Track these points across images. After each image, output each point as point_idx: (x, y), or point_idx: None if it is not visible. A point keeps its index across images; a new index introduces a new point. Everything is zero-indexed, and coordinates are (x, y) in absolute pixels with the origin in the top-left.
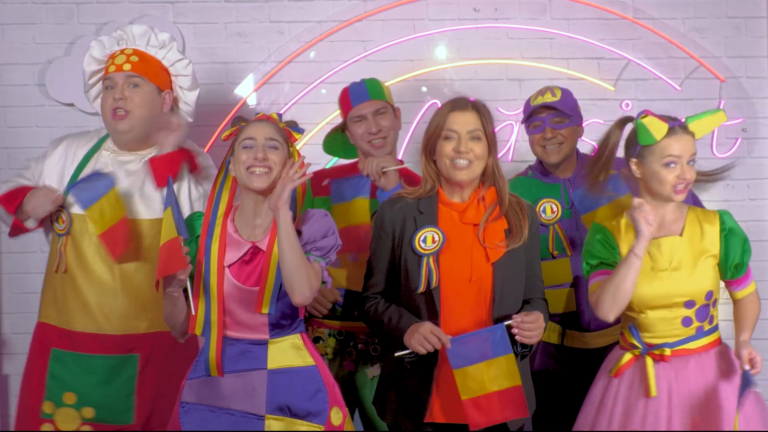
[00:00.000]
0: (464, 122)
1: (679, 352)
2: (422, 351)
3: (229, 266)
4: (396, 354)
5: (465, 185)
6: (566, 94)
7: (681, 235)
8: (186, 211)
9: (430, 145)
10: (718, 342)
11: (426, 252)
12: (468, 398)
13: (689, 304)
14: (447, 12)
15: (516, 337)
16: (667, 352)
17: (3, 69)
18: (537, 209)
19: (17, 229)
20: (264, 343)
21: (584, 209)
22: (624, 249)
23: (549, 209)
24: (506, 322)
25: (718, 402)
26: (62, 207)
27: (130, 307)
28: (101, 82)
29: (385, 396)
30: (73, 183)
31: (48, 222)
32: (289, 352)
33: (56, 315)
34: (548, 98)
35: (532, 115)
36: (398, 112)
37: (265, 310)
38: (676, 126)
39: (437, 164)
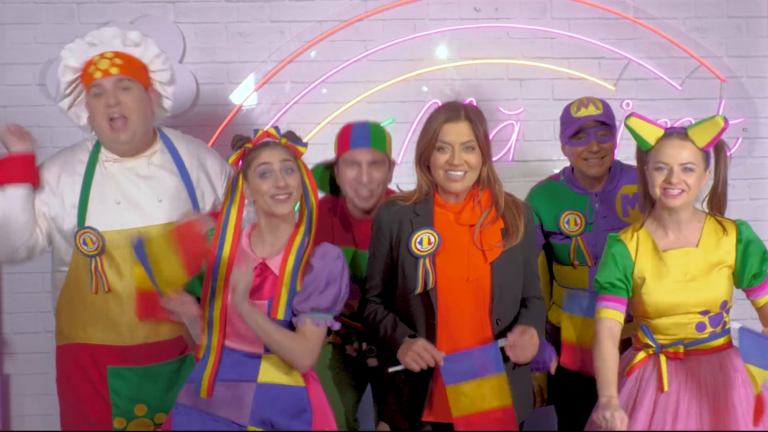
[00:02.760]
0: (457, 133)
1: (692, 351)
2: (415, 368)
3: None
4: (390, 370)
5: (460, 193)
6: (606, 105)
7: (697, 246)
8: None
9: (424, 156)
10: (729, 345)
11: (422, 253)
12: (459, 415)
13: (704, 312)
14: (448, 12)
15: (510, 357)
16: (681, 349)
17: (3, 69)
18: (561, 220)
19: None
20: (258, 357)
21: None
22: (640, 264)
23: (573, 221)
24: (500, 343)
25: (730, 403)
26: (89, 228)
27: None
28: (77, 89)
29: (384, 398)
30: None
31: (52, 245)
32: (281, 369)
33: (102, 334)
34: (593, 111)
35: (578, 129)
36: (392, 164)
37: (282, 315)
38: (673, 132)
39: (432, 173)
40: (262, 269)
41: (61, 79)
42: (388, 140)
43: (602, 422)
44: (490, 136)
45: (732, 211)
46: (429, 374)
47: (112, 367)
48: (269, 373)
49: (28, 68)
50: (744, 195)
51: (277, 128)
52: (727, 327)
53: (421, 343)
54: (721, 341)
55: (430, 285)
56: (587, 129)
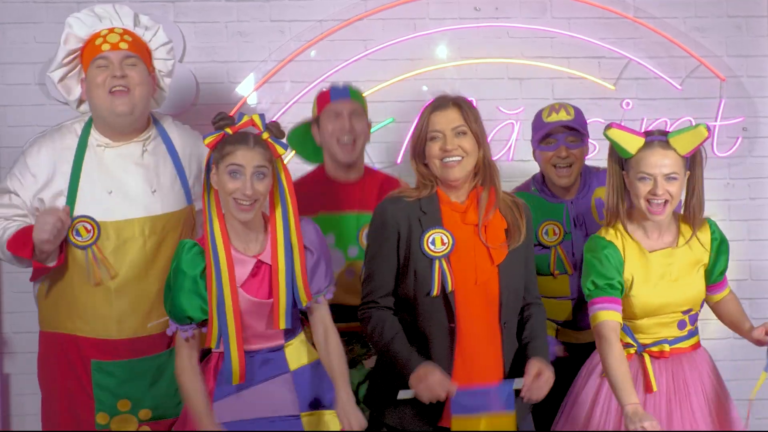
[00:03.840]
0: (447, 120)
1: (675, 350)
2: (426, 401)
3: (241, 285)
4: (399, 396)
5: (459, 184)
6: (578, 112)
7: (676, 246)
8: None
9: (418, 149)
10: (699, 344)
11: (437, 254)
12: None
13: (687, 311)
14: (447, 11)
15: (524, 399)
16: (666, 348)
17: (3, 68)
18: (540, 232)
19: (39, 272)
20: (281, 349)
21: None
22: (629, 264)
23: (551, 231)
24: (515, 384)
25: (725, 395)
26: (83, 217)
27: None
28: (74, 61)
29: (384, 396)
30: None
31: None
32: (301, 350)
33: (88, 327)
34: (563, 116)
35: (547, 134)
36: (369, 125)
37: (283, 325)
38: (654, 140)
39: (429, 166)
40: (258, 266)
41: (63, 46)
42: (365, 102)
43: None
44: (490, 136)
45: (732, 211)
46: (447, 370)
47: (97, 361)
48: (296, 358)
49: (28, 68)
50: (744, 194)
51: (262, 116)
52: (696, 325)
53: (437, 377)
54: (694, 340)
55: (450, 288)
56: (557, 134)
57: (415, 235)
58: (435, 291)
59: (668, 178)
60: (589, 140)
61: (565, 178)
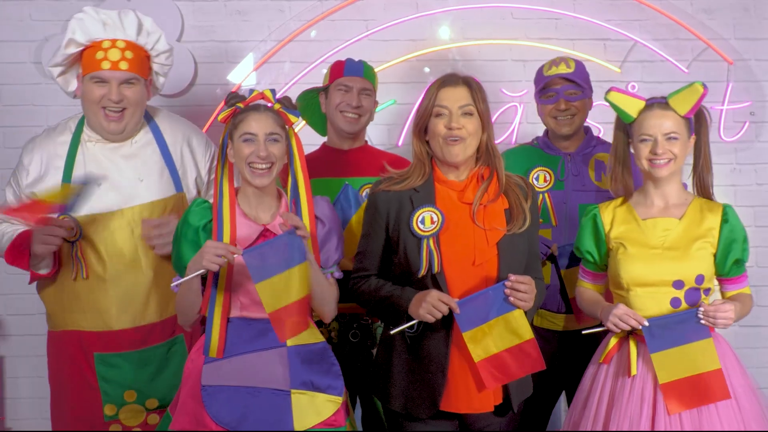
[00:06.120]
0: (455, 98)
1: None
2: (431, 319)
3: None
4: (399, 328)
5: (460, 165)
6: (579, 65)
7: (680, 219)
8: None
9: (421, 124)
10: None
11: (425, 234)
12: (481, 360)
13: (678, 284)
14: None
15: (510, 299)
16: None
17: None
18: (530, 177)
19: (35, 277)
20: None
21: None
22: (614, 234)
23: (542, 177)
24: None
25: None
26: (65, 214)
27: (164, 294)
28: (73, 58)
29: (387, 382)
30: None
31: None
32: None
33: (87, 320)
34: (563, 69)
35: (546, 86)
36: (375, 104)
37: None
38: (654, 102)
39: (431, 144)
40: (265, 234)
41: (63, 50)
42: (377, 79)
43: (617, 324)
44: (493, 118)
45: (738, 197)
46: (445, 351)
47: (100, 354)
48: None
49: (23, 46)
50: (751, 180)
51: (273, 91)
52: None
53: (434, 294)
54: None
55: (436, 269)
56: (556, 87)
57: (405, 215)
58: (422, 271)
59: (669, 138)
60: (594, 123)
61: (566, 126)
